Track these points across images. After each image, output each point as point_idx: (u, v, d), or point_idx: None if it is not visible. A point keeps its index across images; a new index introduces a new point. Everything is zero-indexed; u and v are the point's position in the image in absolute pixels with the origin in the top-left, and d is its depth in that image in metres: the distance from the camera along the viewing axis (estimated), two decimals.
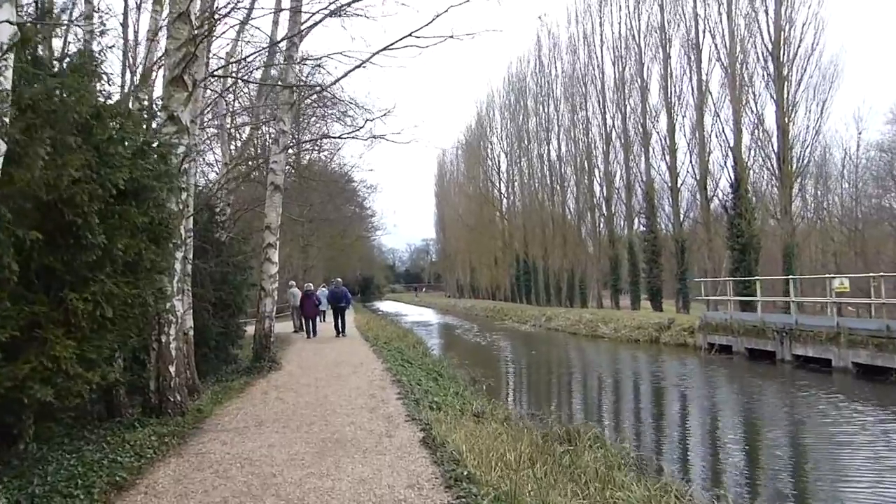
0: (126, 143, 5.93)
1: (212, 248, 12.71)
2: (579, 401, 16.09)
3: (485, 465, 5.99)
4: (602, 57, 48.59)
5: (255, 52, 13.99)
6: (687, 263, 40.07)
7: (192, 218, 10.94)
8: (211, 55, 13.31)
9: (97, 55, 6.51)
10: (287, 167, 34.93)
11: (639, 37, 43.79)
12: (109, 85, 6.97)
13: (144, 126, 7.08)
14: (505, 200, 72.09)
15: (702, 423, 13.07)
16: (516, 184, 68.62)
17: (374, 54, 13.02)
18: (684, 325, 25.65)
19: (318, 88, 14.94)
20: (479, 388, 15.06)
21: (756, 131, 34.54)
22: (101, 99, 6.28)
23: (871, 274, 18.65)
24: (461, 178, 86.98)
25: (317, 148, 29.13)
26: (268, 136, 19.27)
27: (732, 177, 34.63)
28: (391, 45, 13.27)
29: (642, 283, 43.60)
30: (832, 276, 20.04)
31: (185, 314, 10.90)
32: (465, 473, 5.60)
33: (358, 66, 13.04)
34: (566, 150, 55.73)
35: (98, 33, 7.41)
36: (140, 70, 10.20)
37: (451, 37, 13.66)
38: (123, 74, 10.87)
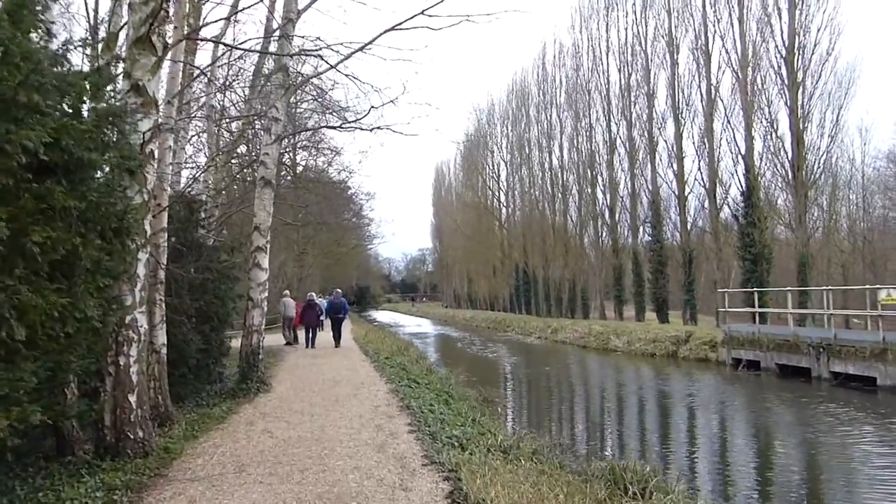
0: (45, 95, 4.26)
1: (191, 251, 11.05)
2: (609, 427, 14.25)
3: None
4: (607, 63, 47.39)
5: (237, 11, 12.21)
6: (694, 274, 38.64)
7: (165, 214, 9.33)
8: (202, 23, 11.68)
9: None
10: (283, 172, 33.50)
11: (645, 43, 42.67)
12: (49, 36, 5.38)
13: (94, 90, 5.39)
14: (504, 209, 70.85)
15: (758, 455, 11.31)
16: (516, 192, 67.40)
17: (381, 33, 11.59)
18: (704, 338, 23.98)
19: (317, 59, 13.21)
20: (493, 410, 13.47)
21: (769, 138, 33.26)
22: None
23: None
24: (459, 187, 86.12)
25: (314, 149, 27.37)
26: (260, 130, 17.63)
27: (743, 185, 33.28)
28: (400, 23, 11.81)
29: (647, 293, 42.07)
30: (878, 286, 18.38)
31: (157, 329, 9.29)
32: None
33: (364, 46, 11.53)
34: (568, 158, 54.52)
35: None
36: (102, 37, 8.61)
37: (468, 18, 12.24)
38: (94, 46, 9.21)
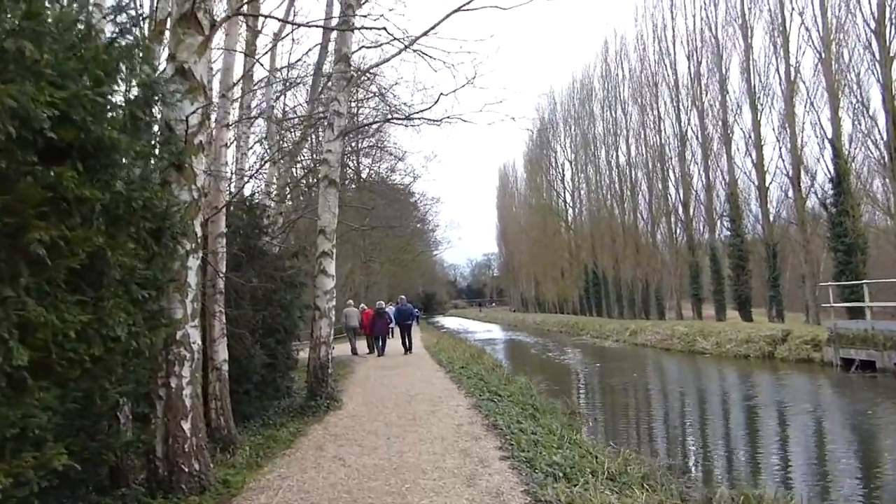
0: (44, 49, 3.36)
1: (253, 258, 10.26)
2: (719, 443, 12.41)
3: None
4: (675, 53, 45.51)
5: None
6: (779, 269, 36.34)
7: (223, 218, 8.54)
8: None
9: None
10: (347, 181, 32.89)
11: (716, 28, 40.63)
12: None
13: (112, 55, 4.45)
14: (571, 210, 69.24)
15: None
16: (582, 192, 65.80)
17: (449, 14, 10.61)
18: (804, 337, 21.94)
19: (377, 53, 12.28)
20: (584, 423, 12.25)
21: (859, 119, 30.74)
22: None
23: None
24: (524, 188, 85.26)
25: (378, 150, 26.61)
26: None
27: (832, 170, 30.86)
28: (468, 2, 10.80)
29: (728, 291, 39.87)
30: None
31: (217, 343, 8.51)
32: None
33: (431, 29, 10.58)
34: (636, 153, 52.64)
35: None
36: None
37: None
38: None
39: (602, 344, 36.72)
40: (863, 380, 17.24)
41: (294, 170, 18.08)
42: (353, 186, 31.84)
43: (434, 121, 12.06)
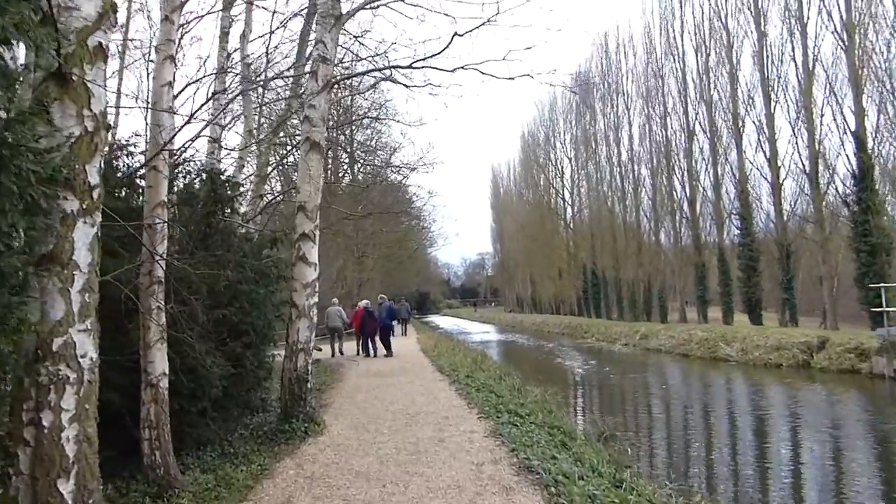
0: None
1: (211, 239, 8.00)
2: (799, 476, 10.00)
3: None
4: (682, 45, 43.58)
5: None
6: (793, 270, 34.45)
7: (163, 181, 6.29)
8: None
9: None
10: (341, 174, 30.68)
11: (726, 18, 38.72)
12: None
13: None
14: (570, 208, 67.27)
15: None
16: (582, 190, 63.81)
17: None
18: (846, 344, 19.77)
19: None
20: (620, 449, 10.06)
21: (886, 109, 28.79)
22: None
23: None
24: (520, 187, 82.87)
25: (372, 137, 24.37)
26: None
27: (855, 165, 28.96)
28: None
29: (736, 293, 37.95)
30: None
31: (152, 351, 6.28)
32: None
33: None
34: (641, 149, 50.62)
35: None
36: None
37: None
38: None
39: (610, 348, 34.36)
40: None
41: (275, 146, 15.74)
42: (348, 178, 29.77)
43: (445, 71, 9.75)
